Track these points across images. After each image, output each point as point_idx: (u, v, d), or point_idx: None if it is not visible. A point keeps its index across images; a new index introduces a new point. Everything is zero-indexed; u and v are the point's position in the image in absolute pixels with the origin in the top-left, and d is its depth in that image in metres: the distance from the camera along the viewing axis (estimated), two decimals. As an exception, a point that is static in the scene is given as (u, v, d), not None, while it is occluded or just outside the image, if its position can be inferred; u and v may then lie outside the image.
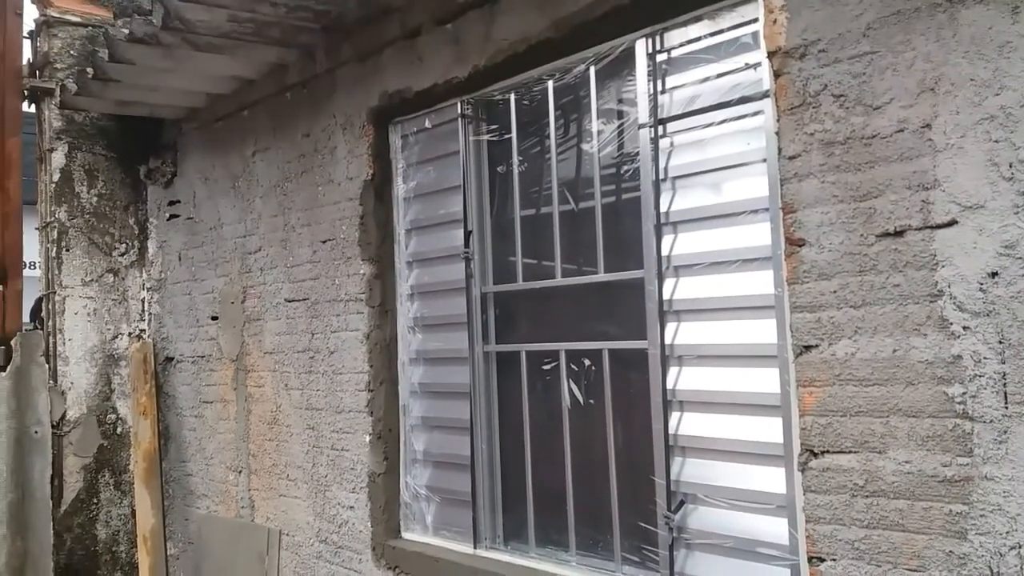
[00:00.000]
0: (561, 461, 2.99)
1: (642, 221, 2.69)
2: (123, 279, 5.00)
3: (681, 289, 2.64)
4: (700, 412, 2.59)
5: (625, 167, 2.80)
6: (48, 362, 4.72)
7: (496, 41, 3.03)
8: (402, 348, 3.60)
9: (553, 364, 3.04)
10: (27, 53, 4.87)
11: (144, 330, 5.06)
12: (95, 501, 4.82)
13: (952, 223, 1.93)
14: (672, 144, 2.67)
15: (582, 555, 2.93)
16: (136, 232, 5.07)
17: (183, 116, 4.84)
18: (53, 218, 4.79)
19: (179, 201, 4.93)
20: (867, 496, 2.06)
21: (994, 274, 1.87)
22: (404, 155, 3.61)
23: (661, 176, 2.66)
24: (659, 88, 2.67)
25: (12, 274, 4.72)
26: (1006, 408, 1.85)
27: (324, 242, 3.85)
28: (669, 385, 2.63)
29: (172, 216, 4.97)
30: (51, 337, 4.76)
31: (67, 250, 4.81)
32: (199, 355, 4.75)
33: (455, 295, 3.36)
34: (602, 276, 2.85)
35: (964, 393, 1.91)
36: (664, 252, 2.66)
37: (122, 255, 5.00)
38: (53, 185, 4.80)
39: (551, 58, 2.94)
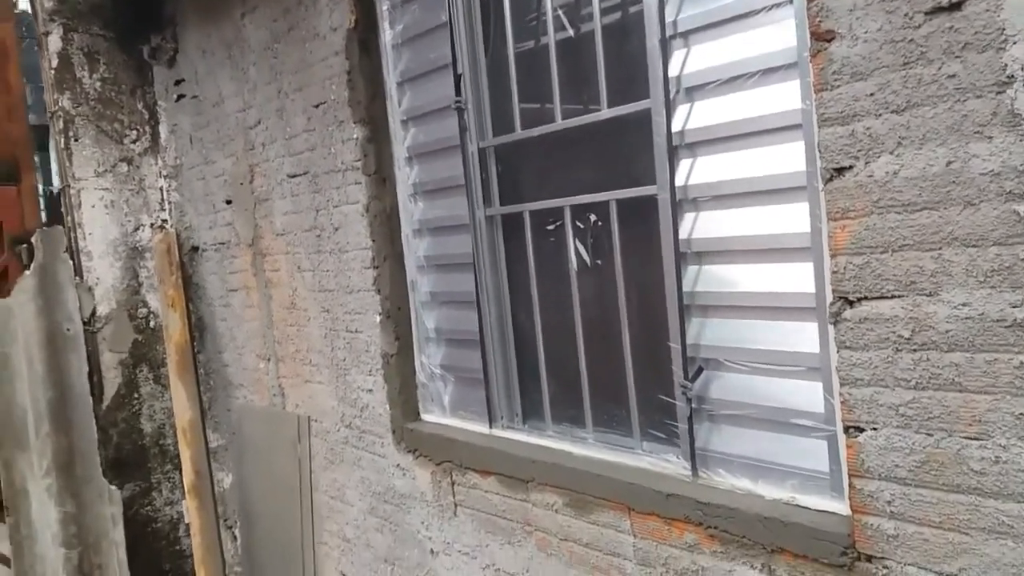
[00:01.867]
0: (572, 331, 2.65)
1: (646, 37, 2.21)
2: (138, 167, 4.79)
3: (694, 117, 2.18)
4: (719, 263, 2.18)
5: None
6: (72, 258, 4.60)
7: None
8: (404, 219, 3.26)
9: (558, 223, 2.65)
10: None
11: (166, 220, 4.87)
12: (136, 396, 4.79)
13: (1028, -20, 1.42)
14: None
15: (600, 431, 2.62)
16: (146, 117, 4.81)
17: (177, -15, 4.47)
18: (57, 107, 4.57)
19: (184, 80, 4.63)
20: (915, 350, 1.64)
21: (1087, 43, 1.37)
22: (393, -5, 3.16)
23: (663, -21, 2.17)
24: None
25: (24, 168, 4.57)
26: (1100, 225, 1.38)
27: (316, 107, 3.48)
28: (683, 235, 2.22)
29: (179, 96, 4.68)
30: (71, 232, 4.63)
31: (76, 140, 4.60)
32: (219, 242, 4.54)
33: (453, 153, 2.97)
34: (605, 112, 2.40)
35: (1042, 209, 1.45)
36: (673, 73, 2.19)
37: (134, 142, 4.77)
38: (53, 72, 4.55)
39: None
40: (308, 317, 3.83)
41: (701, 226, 2.19)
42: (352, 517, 3.70)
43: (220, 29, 4.15)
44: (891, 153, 1.64)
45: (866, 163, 1.68)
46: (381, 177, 3.25)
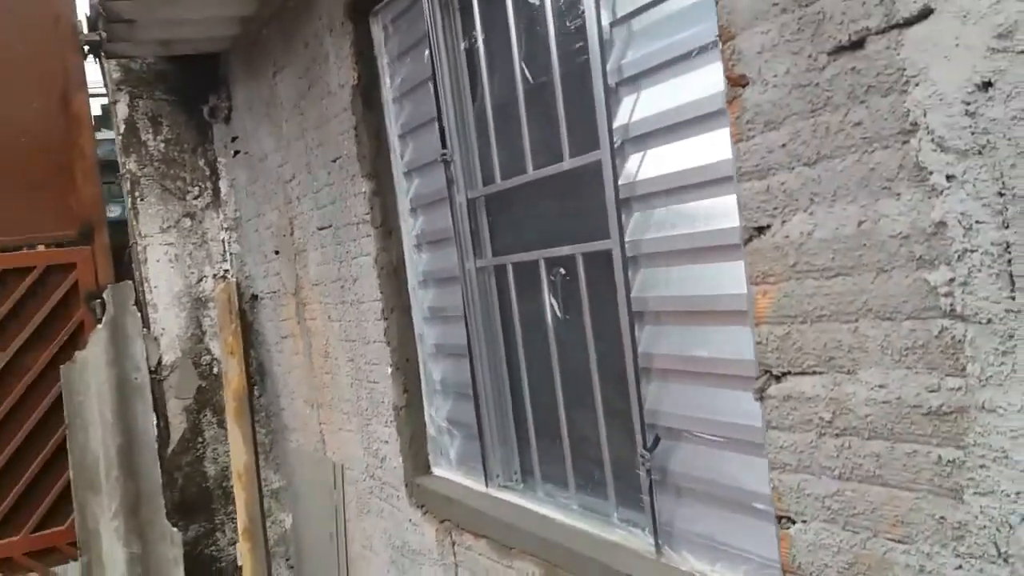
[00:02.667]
0: (552, 387, 2.52)
1: (593, 86, 2.09)
2: (200, 222, 5.01)
3: (643, 168, 2.03)
4: (673, 324, 2.01)
5: (572, 18, 2.18)
6: (140, 310, 4.85)
7: None
8: (411, 270, 3.23)
9: (535, 275, 2.53)
10: (84, 8, 4.88)
11: (227, 270, 5.06)
12: (200, 440, 4.97)
13: (925, 12, 1.22)
14: (616, -23, 2.03)
15: (581, 494, 2.47)
16: (207, 173, 5.04)
17: (229, 47, 4.67)
18: (125, 170, 4.85)
19: (238, 136, 4.81)
20: (837, 435, 1.44)
21: (986, 84, 1.16)
22: (388, 49, 3.16)
23: (607, 18, 2.04)
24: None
25: (97, 229, 4.85)
26: (1012, 298, 1.16)
27: (334, 161, 3.52)
28: (635, 292, 2.06)
29: (236, 152, 4.87)
30: (139, 286, 4.88)
31: (141, 200, 4.86)
32: (272, 290, 4.67)
33: (446, 204, 2.91)
34: (566, 163, 2.29)
35: (951, 280, 1.23)
36: (623, 120, 2.05)
37: (196, 198, 4.99)
38: (120, 137, 4.84)
39: None
40: (338, 366, 3.86)
41: (654, 284, 2.03)
42: (378, 568, 3.67)
43: (259, 88, 4.29)
44: (805, 211, 1.45)
45: (782, 222, 1.50)
46: (387, 229, 3.24)
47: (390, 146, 3.22)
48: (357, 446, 3.76)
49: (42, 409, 4.69)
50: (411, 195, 3.19)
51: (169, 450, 4.89)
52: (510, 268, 2.66)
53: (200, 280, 5.01)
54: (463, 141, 2.79)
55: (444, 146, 2.81)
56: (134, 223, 4.88)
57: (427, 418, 3.25)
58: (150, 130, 4.88)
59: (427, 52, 2.80)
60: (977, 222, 1.19)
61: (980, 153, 1.17)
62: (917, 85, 1.24)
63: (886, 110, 1.29)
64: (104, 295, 4.78)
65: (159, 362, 4.90)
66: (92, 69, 4.96)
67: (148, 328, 4.87)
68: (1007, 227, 1.16)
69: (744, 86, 1.54)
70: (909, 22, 1.24)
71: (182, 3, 3.88)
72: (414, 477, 3.23)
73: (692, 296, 1.92)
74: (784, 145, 1.47)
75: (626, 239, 2.06)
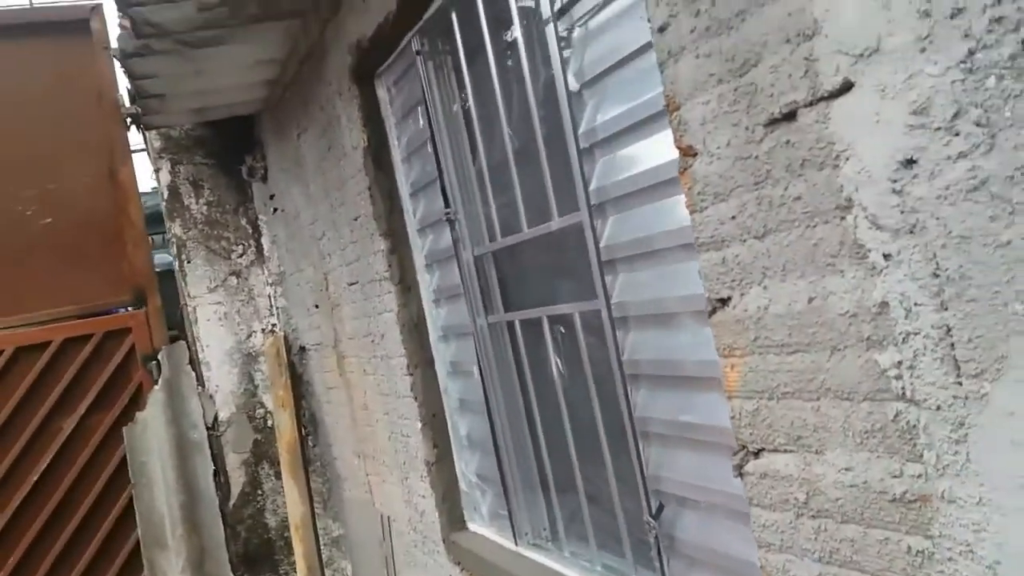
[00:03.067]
0: (565, 445, 2.49)
1: (567, 146, 2.07)
2: (246, 279, 5.15)
3: (623, 230, 2.00)
4: (665, 388, 1.96)
5: (547, 81, 2.17)
6: (194, 369, 5.01)
7: (406, -41, 2.50)
8: (431, 325, 3.25)
9: (540, 332, 2.51)
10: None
11: (275, 324, 5.19)
12: (260, 492, 5.10)
13: (847, 86, 1.17)
14: (583, 34, 2.00)
15: (601, 553, 2.42)
16: (250, 231, 5.18)
17: (261, 107, 4.81)
18: (171, 234, 5.04)
19: (275, 194, 4.94)
20: (813, 517, 1.38)
21: (909, 161, 1.10)
22: (393, 111, 3.21)
23: (575, 81, 2.02)
24: (547, -32, 2.00)
25: (149, 293, 5.05)
26: (958, 384, 1.09)
27: (355, 219, 3.58)
28: (627, 354, 2.02)
29: (275, 209, 5.00)
30: (192, 346, 5.04)
31: (188, 262, 5.04)
32: (316, 343, 4.76)
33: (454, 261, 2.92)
34: (554, 223, 2.26)
35: (899, 362, 1.17)
36: (597, 183, 2.02)
37: (240, 256, 5.14)
38: (164, 203, 5.03)
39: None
40: (376, 419, 3.90)
41: (644, 347, 1.99)
42: (427, 622, 3.68)
43: (287, 148, 4.40)
44: (759, 285, 1.40)
45: (741, 295, 1.45)
46: (406, 285, 3.27)
47: (403, 205, 3.25)
48: (399, 499, 3.79)
49: (110, 470, 4.89)
50: (425, 251, 3.22)
51: (231, 504, 5.02)
52: (518, 324, 2.64)
53: (249, 335, 5.14)
54: (467, 199, 2.80)
55: (447, 205, 2.82)
56: (183, 285, 5.05)
57: (459, 473, 3.25)
58: (192, 194, 5.06)
59: (425, 112, 2.83)
60: (916, 304, 1.12)
61: (912, 232, 1.11)
62: (847, 160, 1.19)
63: (823, 184, 1.24)
64: (159, 356, 4.97)
65: (215, 418, 5.05)
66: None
67: (203, 386, 5.03)
68: (946, 309, 1.09)
69: (693, 156, 1.50)
70: (833, 95, 1.19)
71: (206, 75, 4.02)
72: (450, 533, 3.23)
73: (679, 361, 1.87)
74: (734, 217, 1.43)
75: (613, 300, 2.02)
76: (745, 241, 1.42)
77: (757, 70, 1.31)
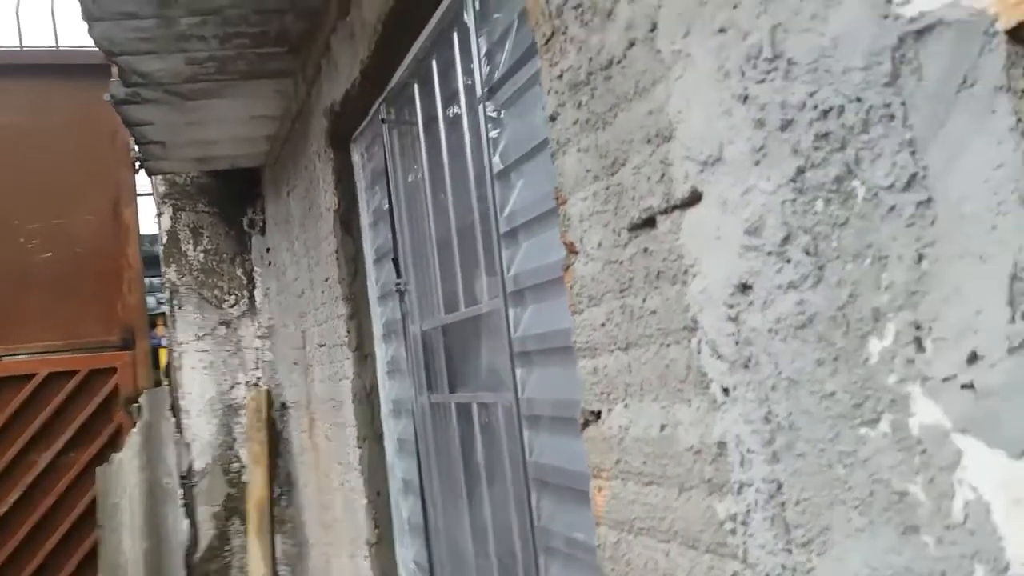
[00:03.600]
0: (486, 545, 2.32)
1: (491, 231, 1.96)
2: (235, 330, 5.11)
3: (539, 319, 1.87)
4: (566, 500, 1.80)
5: (472, 157, 2.08)
6: (174, 415, 4.94)
7: (371, 25, 2.46)
8: (384, 397, 3.13)
9: (470, 418, 2.37)
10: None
11: (259, 378, 5.12)
12: (227, 548, 4.95)
13: (695, 196, 1.05)
14: (511, 114, 1.92)
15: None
16: (244, 282, 5.16)
17: (263, 162, 4.83)
18: (164, 279, 5.04)
19: (270, 248, 4.93)
20: (658, 676, 1.20)
21: (745, 287, 0.96)
22: (364, 175, 3.15)
23: (500, 161, 1.92)
24: (480, 49, 1.93)
25: (139, 335, 5.04)
26: (788, 551, 0.93)
27: (326, 280, 3.51)
28: (532, 456, 1.87)
29: (270, 263, 4.98)
30: (174, 392, 4.99)
31: (179, 307, 5.02)
32: (294, 401, 4.67)
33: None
34: (484, 306, 2.15)
35: (735, 515, 1.01)
36: (515, 268, 1.91)
37: (232, 306, 5.11)
38: (162, 248, 5.04)
39: (413, 28, 2.30)
40: (334, 487, 3.76)
41: (549, 450, 1.84)
42: None
43: (280, 204, 4.39)
44: (622, 402, 1.26)
45: (608, 410, 1.31)
46: (363, 354, 3.17)
47: (367, 270, 3.17)
48: (349, 574, 3.62)
49: (80, 509, 4.81)
50: (384, 320, 3.12)
51: (197, 556, 4.89)
52: (453, 406, 2.51)
53: (233, 387, 5.07)
54: (420, 270, 2.70)
55: (399, 275, 2.73)
56: (172, 330, 5.03)
57: (399, 558, 3.09)
58: (190, 240, 5.07)
59: (386, 180, 2.76)
60: (749, 450, 0.97)
61: (747, 367, 0.97)
62: (695, 277, 1.06)
63: (674, 300, 1.11)
64: (140, 399, 4.92)
65: (190, 468, 4.95)
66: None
67: (181, 433, 4.95)
68: (778, 461, 0.94)
69: (575, 254, 1.38)
70: (683, 204, 1.06)
71: (202, 126, 4.04)
72: (384, 620, 3.05)
73: (581, 472, 1.71)
74: (603, 325, 1.29)
75: (526, 395, 1.88)
76: (612, 352, 1.28)
77: (625, 170, 1.20)
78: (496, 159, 1.90)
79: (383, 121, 2.74)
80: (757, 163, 0.92)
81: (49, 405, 4.82)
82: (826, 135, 0.83)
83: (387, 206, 2.91)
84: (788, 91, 0.86)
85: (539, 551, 1.85)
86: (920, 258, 0.74)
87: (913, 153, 0.74)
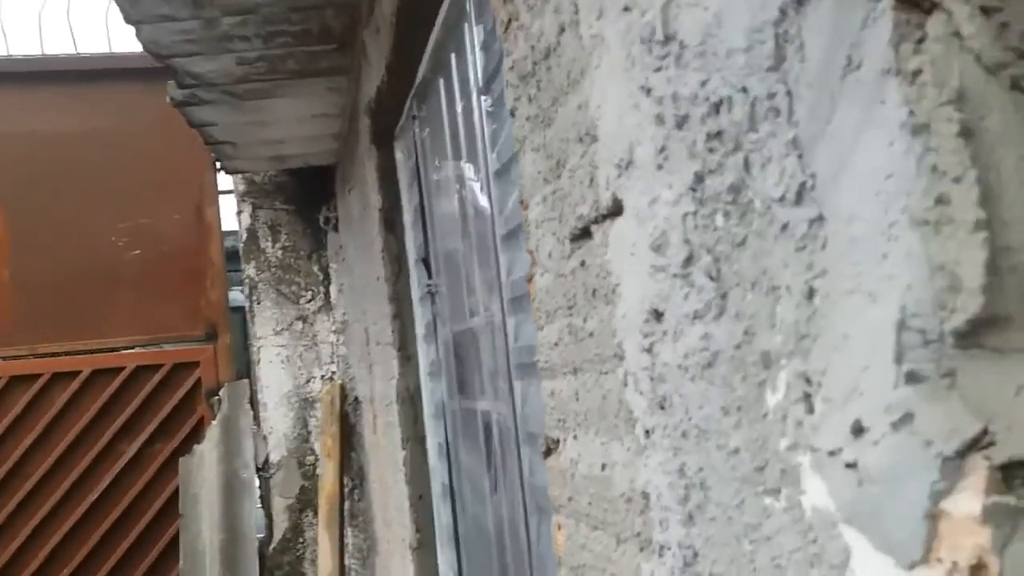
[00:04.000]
0: (502, 558, 2.21)
1: (491, 236, 1.84)
2: (312, 324, 5.17)
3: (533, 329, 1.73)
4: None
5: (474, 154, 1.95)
6: (253, 408, 5.05)
7: (388, 19, 2.38)
8: (426, 399, 3.06)
9: (488, 425, 2.26)
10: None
11: (334, 372, 5.16)
12: (301, 540, 5.03)
13: (616, 205, 0.90)
14: (506, 112, 1.78)
15: None
16: (321, 278, 5.21)
17: (336, 159, 4.85)
18: (245, 276, 5.14)
19: (342, 244, 4.95)
20: None
21: (657, 313, 0.81)
22: (405, 174, 3.08)
23: (494, 160, 1.79)
24: (476, 39, 1.80)
25: (221, 330, 5.17)
26: (700, 634, 0.78)
27: (377, 279, 3.47)
28: (529, 475, 1.75)
29: (344, 259, 5.01)
30: (253, 385, 5.10)
31: (258, 303, 5.12)
32: (363, 396, 4.68)
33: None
34: (488, 313, 2.03)
35: (655, 580, 0.86)
36: (515, 274, 1.78)
37: (308, 302, 5.17)
38: (242, 245, 5.15)
39: (427, 20, 2.20)
40: (390, 486, 3.73)
41: (539, 465, 1.70)
42: None
43: (345, 202, 4.39)
44: (573, 435, 1.12)
45: (564, 440, 1.17)
46: (407, 355, 3.11)
47: (409, 270, 3.11)
48: (399, 574, 3.58)
49: (162, 499, 5.00)
50: (425, 321, 3.04)
51: (271, 548, 4.99)
52: (479, 413, 2.41)
53: (308, 380, 5.14)
54: (449, 272, 2.61)
55: (430, 276, 2.65)
56: (251, 325, 5.14)
57: (440, 563, 3.02)
58: (269, 238, 5.16)
59: (417, 178, 2.68)
60: (665, 507, 0.82)
61: (662, 408, 0.82)
62: (620, 297, 0.91)
63: (607, 323, 0.96)
64: (220, 392, 5.05)
65: (266, 460, 5.05)
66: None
67: (258, 426, 5.06)
68: (693, 524, 0.78)
69: (536, 264, 1.24)
70: (610, 214, 0.91)
71: (266, 126, 4.08)
72: (427, 626, 2.99)
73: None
74: (556, 344, 1.16)
75: (523, 408, 1.76)
76: (565, 375, 1.14)
77: (565, 172, 1.06)
78: (493, 156, 1.78)
79: (414, 118, 2.66)
80: (660, 167, 0.76)
81: (136, 397, 5.02)
82: (719, 134, 0.67)
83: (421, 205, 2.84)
84: (680, 81, 0.70)
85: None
86: (811, 292, 0.58)
87: (800, 156, 0.58)
